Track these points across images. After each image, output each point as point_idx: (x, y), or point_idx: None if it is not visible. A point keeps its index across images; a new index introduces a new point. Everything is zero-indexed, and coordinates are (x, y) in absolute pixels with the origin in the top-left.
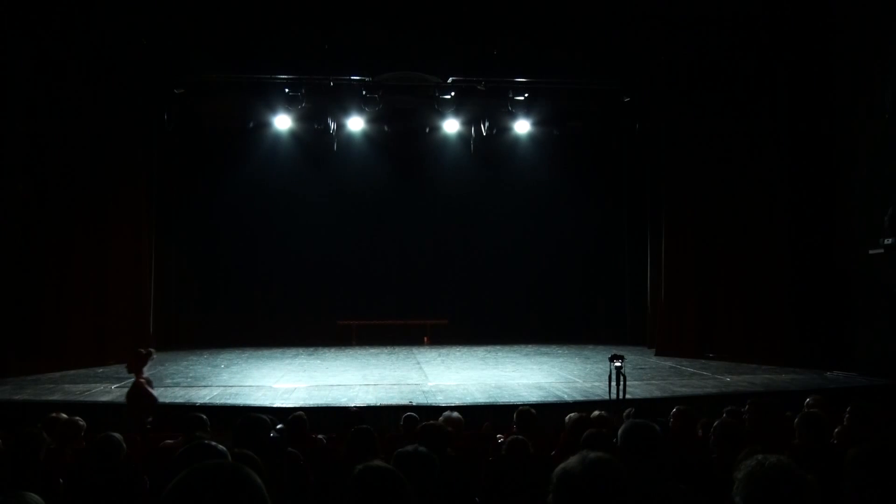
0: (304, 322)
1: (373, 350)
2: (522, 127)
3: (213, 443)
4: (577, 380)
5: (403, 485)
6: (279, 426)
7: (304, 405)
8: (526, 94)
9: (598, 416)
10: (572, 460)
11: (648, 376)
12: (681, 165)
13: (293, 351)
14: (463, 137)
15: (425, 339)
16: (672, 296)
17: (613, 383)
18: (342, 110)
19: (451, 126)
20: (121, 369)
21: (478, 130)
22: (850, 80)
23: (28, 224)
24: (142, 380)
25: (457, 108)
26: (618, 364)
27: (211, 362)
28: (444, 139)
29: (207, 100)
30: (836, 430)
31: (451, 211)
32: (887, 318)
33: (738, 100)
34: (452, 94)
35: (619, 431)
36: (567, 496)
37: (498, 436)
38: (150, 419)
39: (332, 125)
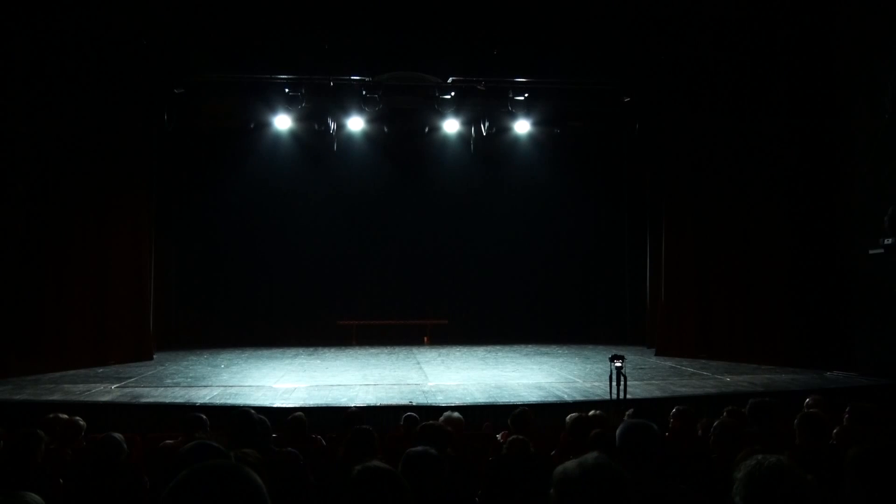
0: (304, 322)
1: (373, 350)
2: (522, 127)
3: (214, 443)
4: (577, 380)
5: (402, 485)
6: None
7: (304, 405)
8: (526, 94)
9: (596, 415)
10: (571, 462)
11: (648, 376)
12: (681, 165)
13: (293, 351)
14: (463, 137)
15: (425, 338)
16: (672, 296)
17: (614, 383)
18: (342, 110)
19: (451, 126)
20: (121, 369)
21: (478, 130)
22: (850, 81)
23: (28, 224)
24: None
25: (457, 108)
26: (618, 364)
27: (211, 362)
28: (444, 139)
29: (207, 100)
30: (836, 430)
31: (452, 211)
32: (887, 318)
33: (739, 100)
34: (452, 94)
35: (617, 432)
36: (567, 497)
37: (498, 435)
38: None
39: (332, 125)
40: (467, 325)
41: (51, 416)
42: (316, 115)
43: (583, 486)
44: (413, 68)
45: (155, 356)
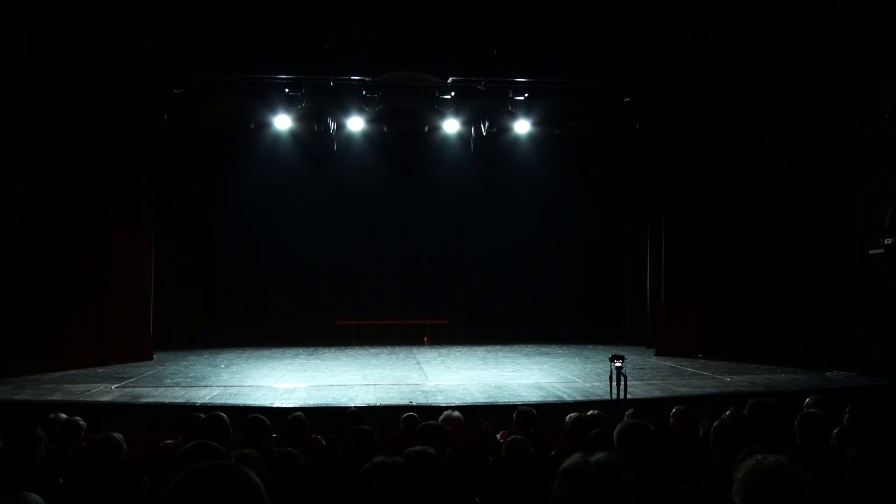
0: (304, 322)
1: (373, 350)
2: (522, 127)
3: (214, 443)
4: (577, 380)
5: (411, 480)
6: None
7: (304, 405)
8: (526, 94)
9: (594, 415)
10: (579, 458)
11: (648, 376)
12: (681, 165)
13: (293, 351)
14: (463, 137)
15: (425, 338)
16: (672, 296)
17: (614, 383)
18: (342, 110)
19: (451, 126)
20: (121, 369)
21: (478, 130)
22: (850, 80)
23: (28, 225)
24: None
25: (457, 108)
26: (618, 364)
27: (211, 362)
28: (444, 139)
29: (207, 100)
30: (836, 430)
31: (452, 211)
32: (887, 318)
33: (738, 99)
34: (452, 94)
35: (615, 432)
36: (571, 495)
37: (498, 435)
38: None
39: (332, 125)
40: (467, 325)
41: (51, 416)
42: (316, 115)
43: (588, 482)
44: (413, 68)
45: (155, 356)
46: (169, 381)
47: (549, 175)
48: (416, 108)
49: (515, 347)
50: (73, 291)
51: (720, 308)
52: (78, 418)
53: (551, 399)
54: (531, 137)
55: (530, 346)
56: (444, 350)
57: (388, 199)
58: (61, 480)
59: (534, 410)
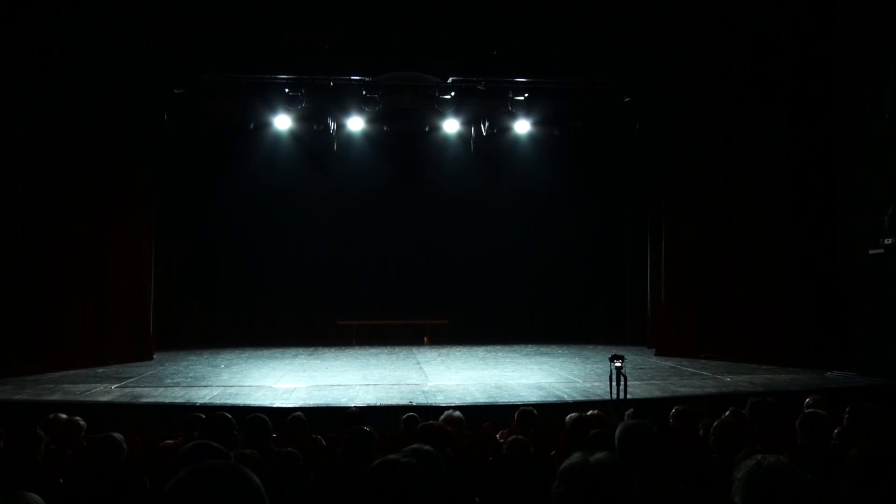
0: (304, 322)
1: (373, 350)
2: (522, 127)
3: (213, 443)
4: (577, 380)
5: (420, 478)
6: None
7: (304, 405)
8: (526, 94)
9: (594, 414)
10: (580, 457)
11: (648, 376)
12: (681, 165)
13: (293, 351)
14: (463, 137)
15: (425, 338)
16: (672, 296)
17: (614, 383)
18: (342, 110)
19: (451, 126)
20: (121, 369)
21: (478, 130)
22: (850, 81)
23: (28, 224)
24: None
25: (457, 108)
26: (618, 364)
27: (211, 362)
28: (444, 139)
29: (207, 100)
30: (836, 430)
31: (451, 211)
32: (887, 318)
33: (738, 100)
34: (452, 94)
35: (616, 433)
36: (571, 495)
37: (498, 435)
38: None
39: (332, 125)
40: (467, 325)
41: (51, 416)
42: (316, 115)
43: (588, 482)
44: (413, 68)
45: (155, 356)
46: (169, 381)
47: (548, 175)
48: (416, 108)
49: (515, 347)
50: (73, 291)
51: (720, 308)
52: (78, 418)
53: (551, 399)
54: (531, 137)
55: (530, 346)
56: (444, 350)
57: (388, 199)
58: (61, 480)
59: (535, 410)
